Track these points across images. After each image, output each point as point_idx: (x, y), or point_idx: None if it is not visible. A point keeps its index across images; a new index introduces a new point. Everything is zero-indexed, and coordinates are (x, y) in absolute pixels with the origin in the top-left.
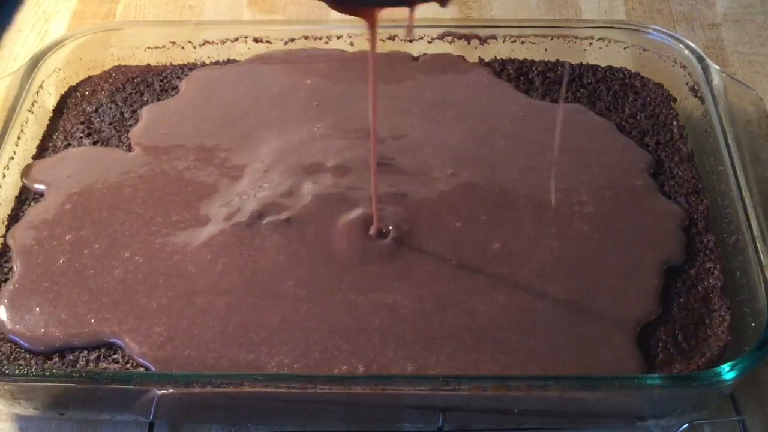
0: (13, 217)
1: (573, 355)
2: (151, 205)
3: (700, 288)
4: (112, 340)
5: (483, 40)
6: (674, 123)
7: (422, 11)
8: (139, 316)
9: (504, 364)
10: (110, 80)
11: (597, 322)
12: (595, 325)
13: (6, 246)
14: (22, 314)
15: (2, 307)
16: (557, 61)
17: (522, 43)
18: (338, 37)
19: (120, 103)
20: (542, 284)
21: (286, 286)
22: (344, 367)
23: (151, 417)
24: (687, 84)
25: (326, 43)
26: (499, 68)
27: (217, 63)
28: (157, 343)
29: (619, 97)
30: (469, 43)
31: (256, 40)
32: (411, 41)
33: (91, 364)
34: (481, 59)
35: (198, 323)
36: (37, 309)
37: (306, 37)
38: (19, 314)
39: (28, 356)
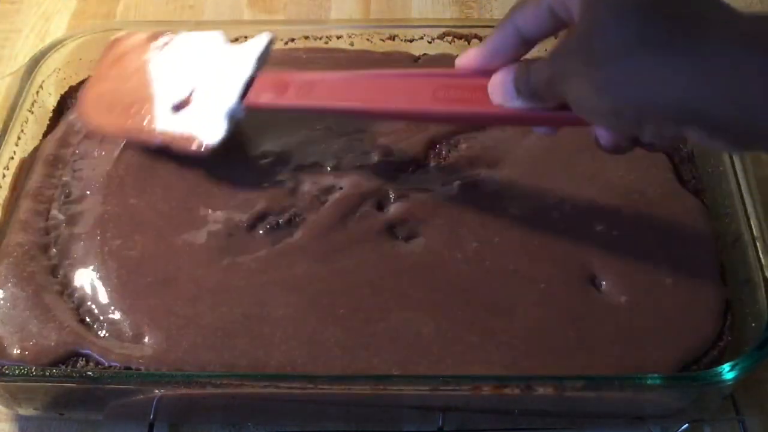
0: None
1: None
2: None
3: None
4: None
5: (483, 40)
6: None
7: (422, 11)
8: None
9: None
10: None
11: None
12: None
13: None
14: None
15: None
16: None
17: None
18: (338, 37)
19: None
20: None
21: (293, 294)
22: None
23: (151, 417)
24: None
25: (326, 43)
26: None
27: None
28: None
29: None
30: (469, 43)
31: None
32: (411, 41)
33: (90, 364)
34: None
35: (199, 325)
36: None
37: (306, 37)
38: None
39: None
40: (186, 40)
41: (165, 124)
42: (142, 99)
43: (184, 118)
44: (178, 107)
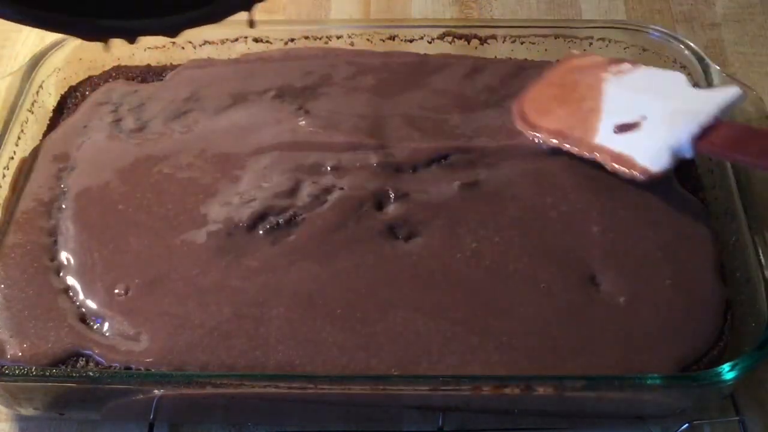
0: None
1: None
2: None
3: None
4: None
5: (483, 40)
6: None
7: (422, 11)
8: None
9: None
10: (110, 80)
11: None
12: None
13: None
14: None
15: None
16: (557, 61)
17: (522, 43)
18: (338, 37)
19: None
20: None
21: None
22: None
23: (151, 417)
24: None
25: (326, 43)
26: None
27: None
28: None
29: None
30: (469, 43)
31: (256, 40)
32: (411, 41)
33: (91, 364)
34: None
35: (198, 325)
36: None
37: (306, 37)
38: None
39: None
40: (648, 73)
41: (605, 140)
42: (588, 111)
43: (626, 141)
44: (623, 129)
